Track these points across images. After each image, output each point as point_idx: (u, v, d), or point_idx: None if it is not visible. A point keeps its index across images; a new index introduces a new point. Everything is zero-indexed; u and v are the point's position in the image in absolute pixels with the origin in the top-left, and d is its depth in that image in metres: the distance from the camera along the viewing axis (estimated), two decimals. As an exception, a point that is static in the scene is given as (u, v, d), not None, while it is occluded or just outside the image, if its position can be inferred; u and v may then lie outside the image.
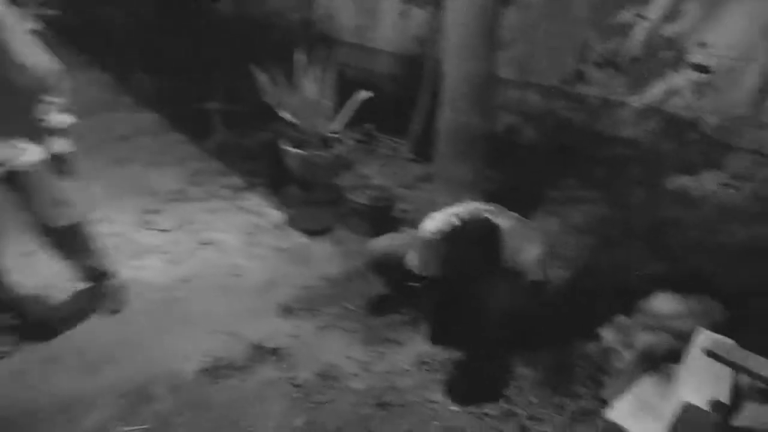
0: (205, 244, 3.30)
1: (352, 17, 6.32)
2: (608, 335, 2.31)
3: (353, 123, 3.60)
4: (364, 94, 3.45)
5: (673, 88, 4.21)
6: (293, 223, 3.48)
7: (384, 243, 2.54)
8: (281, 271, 3.07)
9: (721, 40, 3.86)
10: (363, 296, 2.80)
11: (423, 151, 3.71)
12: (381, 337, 2.54)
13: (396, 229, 3.38)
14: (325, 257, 3.20)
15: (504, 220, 2.27)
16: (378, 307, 2.71)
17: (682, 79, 4.09)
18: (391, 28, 6.39)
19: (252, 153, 4.09)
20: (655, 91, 4.36)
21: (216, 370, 2.33)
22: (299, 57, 3.48)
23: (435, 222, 2.28)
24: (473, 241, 2.19)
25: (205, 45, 4.74)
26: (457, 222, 2.20)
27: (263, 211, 3.68)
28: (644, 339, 2.23)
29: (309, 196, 3.40)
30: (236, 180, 4.06)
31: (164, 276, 2.97)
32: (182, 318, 2.66)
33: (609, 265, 3.06)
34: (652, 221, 3.43)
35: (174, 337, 2.52)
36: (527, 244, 2.20)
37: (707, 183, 3.89)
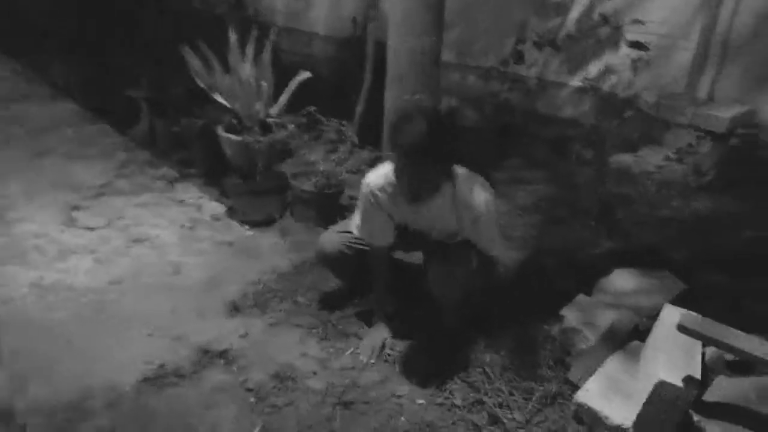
0: (137, 241, 3.05)
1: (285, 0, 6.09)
2: (569, 315, 2.26)
3: (294, 107, 3.42)
4: (304, 75, 3.27)
5: (610, 66, 4.25)
6: (235, 214, 3.27)
7: (335, 237, 2.38)
8: (225, 267, 2.87)
9: (655, 16, 3.91)
10: (316, 289, 2.64)
11: (368, 134, 3.57)
12: (338, 332, 2.40)
13: (344, 217, 3.24)
14: (272, 249, 3.02)
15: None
16: (332, 300, 2.57)
17: (619, 57, 4.13)
18: (326, 9, 6.20)
19: (185, 141, 3.82)
20: (592, 70, 4.39)
21: (159, 379, 2.12)
22: (233, 38, 3.25)
23: (376, 176, 2.18)
24: None
25: (129, 29, 4.39)
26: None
27: (201, 203, 3.45)
28: (607, 317, 2.20)
29: (250, 184, 3.20)
30: (169, 171, 3.80)
31: (94, 278, 2.71)
32: (117, 323, 2.42)
33: (561, 244, 3.04)
34: (599, 199, 3.43)
35: (109, 345, 2.29)
36: (477, 187, 2.10)
37: (649, 160, 3.95)
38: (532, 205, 3.56)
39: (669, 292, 2.30)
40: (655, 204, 3.57)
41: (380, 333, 2.34)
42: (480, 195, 2.09)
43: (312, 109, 3.14)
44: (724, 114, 3.66)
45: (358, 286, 2.55)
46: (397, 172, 2.00)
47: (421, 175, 1.96)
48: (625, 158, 3.99)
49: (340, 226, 2.45)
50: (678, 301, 2.19)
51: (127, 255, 2.92)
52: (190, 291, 2.68)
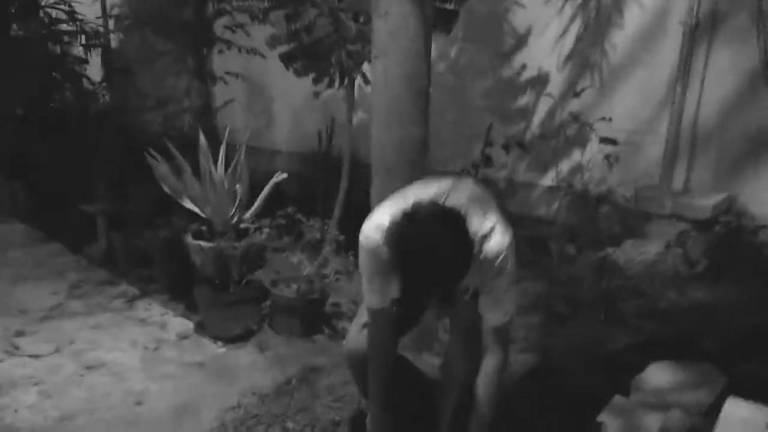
0: (92, 368, 2.64)
1: (246, 121, 6.09)
2: (610, 422, 1.96)
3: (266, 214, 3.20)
4: (280, 176, 3.09)
5: (581, 163, 4.27)
6: (206, 329, 2.91)
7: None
8: (197, 392, 2.46)
9: (621, 113, 3.99)
10: (307, 411, 2.27)
11: (348, 238, 3.36)
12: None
13: (330, 326, 2.93)
14: (251, 367, 2.64)
15: (458, 193, 1.69)
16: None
17: (589, 153, 4.16)
18: (288, 127, 6.22)
19: (147, 256, 3.50)
20: (563, 168, 4.41)
21: None
22: (203, 140, 3.07)
23: (373, 227, 1.67)
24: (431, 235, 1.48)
25: (82, 143, 4.20)
26: (399, 218, 1.51)
27: (165, 320, 3.08)
28: (654, 420, 1.91)
29: (224, 296, 2.87)
30: (128, 288, 3.44)
31: (39, 415, 2.27)
32: (68, 470, 1.98)
33: (571, 342, 2.79)
34: (596, 293, 3.26)
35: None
36: (493, 217, 1.67)
37: (632, 253, 3.85)
38: (528, 304, 3.34)
39: (714, 385, 2.05)
40: (650, 296, 3.41)
41: None
42: (500, 236, 1.64)
43: (291, 209, 2.92)
44: (705, 202, 3.64)
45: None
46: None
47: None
48: (610, 252, 3.88)
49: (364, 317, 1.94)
50: (724, 395, 1.94)
51: (80, 385, 2.49)
52: (157, 424, 2.26)
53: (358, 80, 3.51)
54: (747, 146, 3.66)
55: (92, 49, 5.05)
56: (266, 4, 3.37)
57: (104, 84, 4.57)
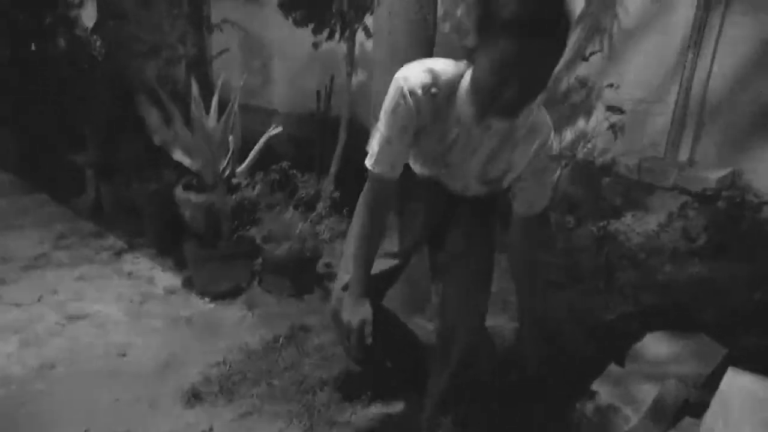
0: (74, 318, 2.56)
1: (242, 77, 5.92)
2: (604, 390, 1.91)
3: (263, 166, 3.10)
4: (275, 129, 2.98)
5: (585, 132, 4.16)
6: (194, 285, 2.83)
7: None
8: (182, 347, 2.40)
9: (630, 80, 3.86)
10: (294, 369, 2.21)
11: (344, 195, 3.26)
12: (327, 420, 1.95)
13: (321, 286, 2.86)
14: (238, 324, 2.58)
15: None
16: (352, 387, 2.10)
17: (594, 122, 4.04)
18: (285, 86, 6.05)
19: (136, 208, 3.40)
20: (567, 136, 4.29)
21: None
22: (195, 89, 2.94)
23: (421, 72, 1.44)
24: None
25: (73, 90, 4.04)
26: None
27: (152, 275, 3.00)
28: (649, 391, 1.86)
29: (212, 251, 2.79)
30: (116, 241, 3.34)
31: (18, 364, 2.21)
32: (47, 420, 1.91)
33: (569, 310, 2.73)
34: (595, 264, 3.19)
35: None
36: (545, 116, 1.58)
37: (634, 224, 3.78)
38: (523, 270, 3.27)
39: (712, 357, 1.99)
40: (649, 268, 3.35)
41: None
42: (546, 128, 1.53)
43: (285, 164, 2.81)
44: (709, 175, 3.55)
45: (382, 367, 2.08)
46: (503, 65, 1.23)
47: (549, 68, 1.28)
48: (612, 224, 3.80)
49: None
50: (723, 367, 1.88)
51: (61, 335, 2.43)
52: (139, 377, 2.20)
53: (359, 35, 3.37)
54: (756, 120, 3.55)
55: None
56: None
57: (96, 30, 4.38)
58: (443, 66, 1.44)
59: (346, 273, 1.71)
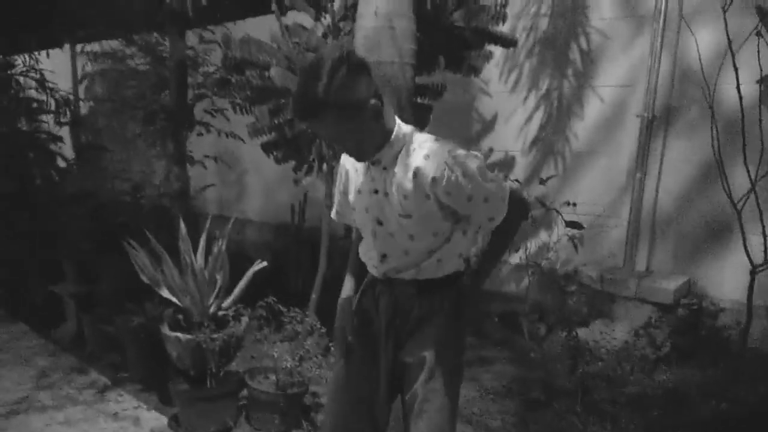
0: (63, 469, 2.54)
1: (219, 191, 6.15)
2: None
3: (249, 298, 3.20)
4: (259, 264, 3.12)
5: (548, 244, 4.44)
6: (180, 424, 2.85)
7: None
8: (173, 495, 2.40)
9: (585, 198, 4.18)
10: None
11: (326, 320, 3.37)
12: None
13: (309, 419, 2.91)
14: (228, 466, 2.60)
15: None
16: None
17: (556, 235, 4.32)
18: (259, 198, 6.29)
19: (118, 342, 3.43)
20: (531, 248, 4.56)
21: None
22: (183, 229, 3.10)
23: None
24: None
25: (52, 222, 4.15)
26: None
27: (138, 415, 3.00)
28: None
29: (201, 390, 2.83)
30: (98, 377, 3.36)
31: None
32: None
33: (549, 432, 2.84)
34: (571, 379, 3.32)
35: None
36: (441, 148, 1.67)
37: (602, 333, 3.96)
38: (503, 388, 3.39)
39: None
40: (620, 380, 3.50)
41: None
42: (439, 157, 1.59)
43: (272, 299, 2.94)
44: (667, 286, 3.81)
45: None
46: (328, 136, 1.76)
47: (340, 135, 1.58)
48: (580, 332, 3.98)
49: None
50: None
51: (50, 490, 2.40)
52: None
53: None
54: (703, 232, 3.88)
55: (62, 123, 5.03)
56: (248, 93, 3.47)
57: (76, 162, 4.55)
58: None
59: None
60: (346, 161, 1.79)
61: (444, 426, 1.70)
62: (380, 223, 1.70)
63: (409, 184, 1.60)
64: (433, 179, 1.56)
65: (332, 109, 1.48)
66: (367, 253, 1.80)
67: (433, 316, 1.73)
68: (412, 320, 1.75)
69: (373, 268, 1.80)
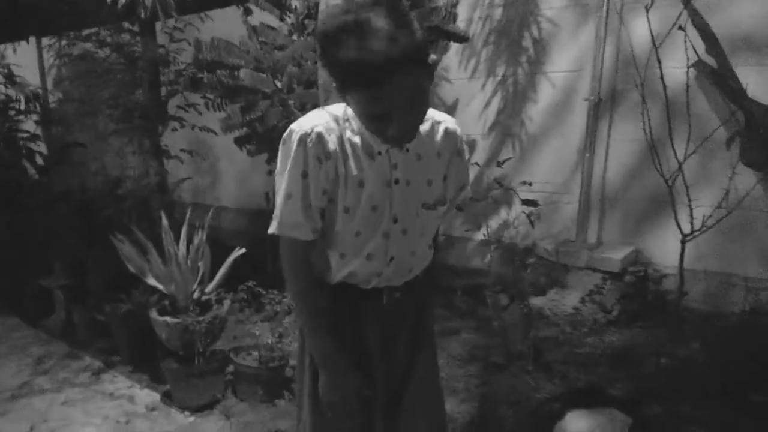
0: (67, 444, 2.80)
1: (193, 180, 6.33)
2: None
3: (230, 282, 3.46)
4: (239, 251, 3.37)
5: (508, 221, 4.78)
6: (173, 399, 3.12)
7: None
8: (170, 461, 2.69)
9: (540, 177, 4.50)
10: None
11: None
12: None
13: (290, 390, 3.20)
14: (218, 434, 2.89)
15: None
16: None
17: (514, 212, 4.65)
18: (233, 185, 6.50)
19: (108, 329, 3.67)
20: (493, 225, 4.89)
21: None
22: (165, 222, 3.33)
23: (317, 118, 1.45)
24: None
25: (37, 216, 4.33)
26: None
27: (132, 393, 3.26)
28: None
29: (190, 368, 3.10)
30: (92, 361, 3.59)
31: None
32: None
33: (506, 391, 3.17)
34: (531, 343, 3.66)
35: None
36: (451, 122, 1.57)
37: (560, 301, 4.33)
38: (467, 354, 3.72)
39: (620, 429, 2.46)
40: (573, 343, 3.86)
41: None
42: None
43: (252, 283, 3.20)
44: (615, 256, 4.17)
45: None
46: (369, 117, 1.27)
47: (417, 93, 1.25)
48: (538, 301, 4.34)
49: None
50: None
51: (58, 462, 2.67)
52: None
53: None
54: (646, 206, 4.23)
55: (37, 122, 5.14)
56: (218, 91, 3.67)
57: (55, 159, 4.71)
58: (336, 106, 1.43)
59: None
60: (331, 163, 1.39)
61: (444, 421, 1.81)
62: (395, 220, 1.45)
63: (436, 161, 1.47)
64: (461, 139, 1.51)
65: (425, 61, 1.23)
66: (365, 262, 1.49)
67: (421, 316, 1.64)
68: (405, 329, 1.61)
69: (367, 280, 1.52)
